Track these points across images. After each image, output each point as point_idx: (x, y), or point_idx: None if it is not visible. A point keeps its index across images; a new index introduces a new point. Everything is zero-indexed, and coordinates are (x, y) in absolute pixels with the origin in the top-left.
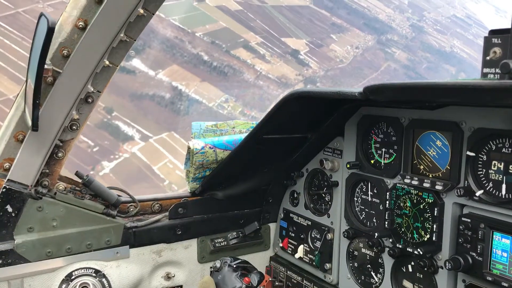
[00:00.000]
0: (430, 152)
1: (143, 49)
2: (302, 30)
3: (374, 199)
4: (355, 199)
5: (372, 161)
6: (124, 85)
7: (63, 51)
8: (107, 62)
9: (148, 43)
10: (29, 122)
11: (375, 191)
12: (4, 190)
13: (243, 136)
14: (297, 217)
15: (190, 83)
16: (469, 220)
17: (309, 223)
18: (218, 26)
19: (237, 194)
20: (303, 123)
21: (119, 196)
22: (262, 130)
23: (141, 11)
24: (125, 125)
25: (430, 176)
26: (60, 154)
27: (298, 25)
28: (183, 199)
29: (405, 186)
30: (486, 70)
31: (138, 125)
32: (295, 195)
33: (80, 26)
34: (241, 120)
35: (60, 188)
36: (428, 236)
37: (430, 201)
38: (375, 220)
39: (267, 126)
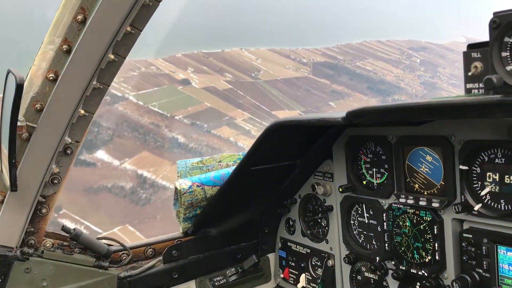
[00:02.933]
0: (422, 169)
1: (110, 139)
2: (297, 101)
3: (371, 221)
4: (352, 222)
5: (365, 182)
6: (81, 179)
7: (36, 105)
8: (82, 112)
9: (118, 132)
10: (7, 183)
11: (371, 213)
12: None
13: (230, 169)
14: (295, 246)
15: (159, 168)
16: (470, 236)
17: (308, 250)
18: (202, 107)
19: (231, 228)
20: (290, 150)
21: (109, 245)
22: (249, 162)
23: (112, 56)
24: (73, 222)
25: (425, 193)
26: (44, 210)
27: (292, 97)
28: (176, 240)
29: (401, 206)
30: (469, 85)
31: (87, 221)
32: (291, 222)
33: (51, 78)
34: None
35: (48, 245)
36: (430, 255)
37: (429, 219)
38: (374, 243)
39: (254, 157)
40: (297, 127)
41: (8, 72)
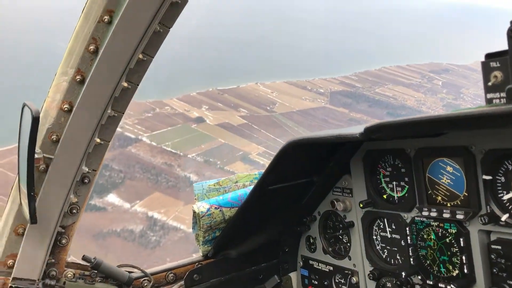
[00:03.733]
0: (443, 180)
1: (122, 182)
2: (313, 131)
3: (394, 235)
4: (374, 237)
5: (385, 196)
6: (91, 224)
7: (52, 136)
8: (98, 140)
9: (129, 175)
10: (27, 215)
11: (394, 227)
12: None
13: (247, 189)
14: (317, 263)
15: (171, 209)
16: (499, 247)
17: (331, 268)
18: (216, 144)
19: (251, 249)
20: (307, 167)
21: (130, 273)
22: (267, 182)
23: (125, 84)
24: None
25: (449, 205)
26: (64, 241)
27: (308, 127)
28: (196, 264)
29: (424, 219)
30: (490, 95)
31: None
32: (311, 240)
33: (66, 108)
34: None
35: (69, 275)
36: (458, 269)
37: (454, 232)
38: (399, 257)
39: (271, 177)
40: (313, 145)
41: (24, 105)
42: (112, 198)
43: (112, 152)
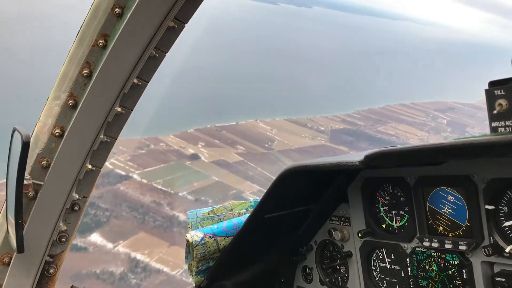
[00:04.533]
0: (445, 210)
1: (107, 221)
2: None
3: (393, 266)
4: (373, 268)
5: (384, 226)
6: (70, 265)
7: (42, 162)
8: (89, 166)
9: (116, 213)
10: (14, 244)
11: (393, 257)
12: None
13: (242, 218)
14: None
15: (155, 250)
16: (503, 280)
17: None
18: (209, 182)
19: (246, 280)
20: (304, 195)
21: None
22: (263, 209)
23: (119, 109)
24: None
25: (450, 235)
26: (51, 271)
27: None
28: None
29: (426, 250)
30: (495, 124)
31: None
32: (308, 270)
33: (57, 133)
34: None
35: None
36: None
37: (456, 263)
38: None
39: (267, 204)
40: (311, 172)
41: (14, 130)
42: (95, 237)
43: (100, 189)
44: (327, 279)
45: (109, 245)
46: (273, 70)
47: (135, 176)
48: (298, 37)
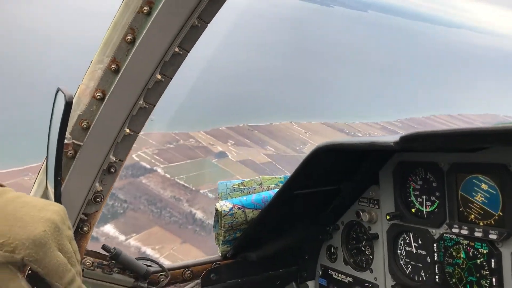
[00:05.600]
0: (477, 198)
1: (123, 213)
2: None
3: (419, 251)
4: (399, 251)
5: (413, 210)
6: None
7: (83, 123)
8: (127, 131)
9: (133, 206)
10: (52, 200)
11: (420, 242)
12: (28, 276)
13: (271, 192)
14: (336, 274)
15: (166, 246)
16: None
17: (351, 279)
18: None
19: (270, 254)
20: (335, 174)
21: (148, 266)
22: (293, 185)
23: (159, 76)
24: None
25: (481, 224)
26: (85, 228)
27: None
28: (214, 263)
29: (454, 236)
30: None
31: None
32: (332, 250)
33: (98, 97)
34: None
35: (87, 263)
36: None
37: (485, 252)
38: (423, 274)
39: (297, 181)
40: (344, 151)
41: (58, 90)
42: (109, 228)
43: (123, 181)
44: (351, 260)
45: (121, 237)
46: (314, 72)
47: (159, 170)
48: (346, 40)
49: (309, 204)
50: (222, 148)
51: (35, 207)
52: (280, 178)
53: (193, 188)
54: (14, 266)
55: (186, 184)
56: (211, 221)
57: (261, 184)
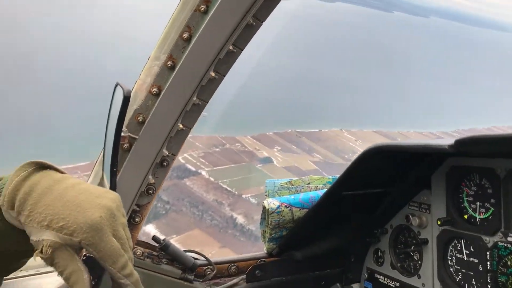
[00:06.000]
0: None
1: (165, 214)
2: None
3: (471, 259)
4: (449, 258)
5: (466, 216)
6: None
7: (138, 118)
8: (181, 126)
9: (176, 207)
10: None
11: (472, 250)
12: (84, 258)
13: (319, 192)
14: (383, 278)
15: (205, 249)
16: None
17: (398, 284)
18: None
19: (316, 254)
20: (384, 177)
21: (195, 259)
22: (341, 186)
23: (213, 74)
24: None
25: None
26: (137, 219)
27: None
28: (260, 260)
29: (509, 245)
30: None
31: None
32: (379, 253)
33: (154, 92)
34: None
35: (138, 253)
36: None
37: None
38: (474, 283)
39: (346, 182)
40: (396, 154)
41: (116, 84)
42: (150, 228)
43: (167, 182)
44: (398, 264)
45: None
46: (368, 79)
47: (203, 173)
48: (404, 47)
49: (357, 206)
50: (267, 154)
51: (92, 194)
52: (329, 178)
53: (236, 192)
54: (72, 249)
55: (229, 188)
56: (251, 227)
57: (309, 183)
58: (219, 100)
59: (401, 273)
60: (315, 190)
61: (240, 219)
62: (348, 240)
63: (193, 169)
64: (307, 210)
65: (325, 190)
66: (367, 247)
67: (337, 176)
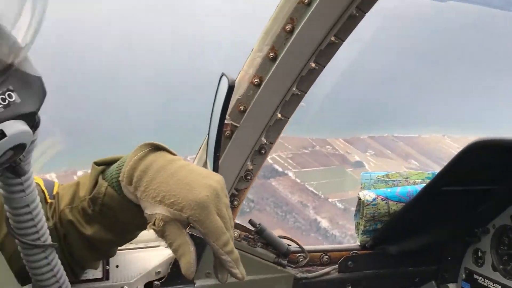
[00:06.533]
0: None
1: (249, 211)
2: None
3: None
4: None
5: None
6: None
7: (240, 107)
8: (279, 116)
9: (260, 206)
10: None
11: None
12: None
13: (417, 187)
14: (482, 279)
15: None
16: None
17: (499, 287)
18: None
19: (411, 249)
20: (490, 173)
21: (288, 245)
22: (442, 181)
23: (313, 65)
24: None
25: None
26: (235, 203)
27: None
28: (352, 252)
29: None
30: None
31: None
32: (479, 253)
33: (256, 82)
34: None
35: (235, 235)
36: None
37: None
38: None
39: (447, 177)
40: (504, 149)
41: (222, 75)
42: None
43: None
44: (501, 266)
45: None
46: (475, 81)
47: (290, 174)
48: None
49: (457, 203)
50: (359, 158)
51: (200, 175)
52: (428, 174)
53: (322, 195)
54: (181, 223)
55: (315, 191)
56: (336, 232)
57: (407, 178)
58: (310, 101)
59: (504, 276)
60: (413, 184)
61: (324, 223)
62: (446, 238)
63: (280, 169)
64: (404, 204)
65: (423, 185)
66: (466, 246)
67: (437, 171)
